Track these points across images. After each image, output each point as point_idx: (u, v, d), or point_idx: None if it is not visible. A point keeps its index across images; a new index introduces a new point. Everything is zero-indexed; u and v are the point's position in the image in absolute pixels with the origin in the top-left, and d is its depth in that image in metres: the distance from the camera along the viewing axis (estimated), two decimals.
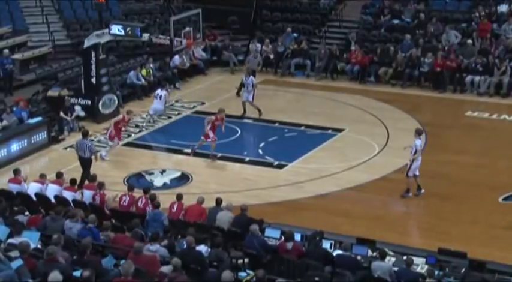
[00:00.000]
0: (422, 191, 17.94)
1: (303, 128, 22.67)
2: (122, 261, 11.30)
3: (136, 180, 19.00)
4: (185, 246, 12.69)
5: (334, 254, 13.10)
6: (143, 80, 25.77)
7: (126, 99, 24.94)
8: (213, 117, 20.39)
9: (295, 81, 27.58)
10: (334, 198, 18.19)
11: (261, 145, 21.47)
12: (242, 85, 24.16)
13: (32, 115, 21.83)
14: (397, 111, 24.14)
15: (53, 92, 23.72)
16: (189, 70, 27.85)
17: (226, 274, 10.69)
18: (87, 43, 23.16)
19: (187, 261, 11.72)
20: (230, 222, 14.61)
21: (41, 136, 21.15)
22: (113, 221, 14.74)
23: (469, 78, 25.79)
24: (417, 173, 17.79)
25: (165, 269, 11.31)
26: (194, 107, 24.88)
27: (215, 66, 29.16)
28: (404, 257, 12.93)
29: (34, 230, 12.93)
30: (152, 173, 19.58)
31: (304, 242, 13.68)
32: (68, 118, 22.25)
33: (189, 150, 20.79)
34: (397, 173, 18.83)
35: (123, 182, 18.81)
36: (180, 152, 20.93)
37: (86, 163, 18.51)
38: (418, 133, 17.94)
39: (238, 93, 24.95)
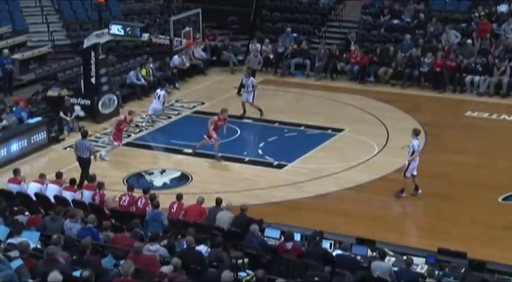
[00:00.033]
0: (419, 191, 17.94)
1: (302, 128, 22.67)
2: (122, 261, 11.30)
3: (136, 180, 19.00)
4: (185, 246, 12.69)
5: (334, 254, 13.11)
6: (143, 80, 25.77)
7: (126, 99, 24.95)
8: (216, 118, 20.36)
9: (295, 81, 27.58)
10: (333, 198, 18.19)
11: (261, 145, 21.47)
12: (242, 85, 24.16)
13: (32, 115, 21.82)
14: (396, 111, 24.15)
15: (52, 92, 23.72)
16: (188, 70, 27.84)
17: (226, 274, 10.69)
18: (86, 43, 23.16)
19: (187, 261, 11.72)
20: (230, 222, 14.61)
21: (40, 136, 21.15)
22: (113, 221, 14.74)
23: (468, 78, 25.80)
24: (415, 173, 17.79)
25: (165, 269, 11.31)
26: (194, 107, 24.88)
27: (215, 66, 29.16)
28: (404, 257, 12.94)
29: (34, 230, 12.93)
30: (152, 173, 19.58)
31: (303, 242, 13.69)
32: (68, 118, 22.25)
33: (188, 150, 20.80)
34: (396, 173, 18.81)
35: (123, 182, 18.81)
36: (180, 152, 20.93)
37: (85, 163, 18.49)
38: (416, 133, 17.93)
39: (238, 93, 24.93)
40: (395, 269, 12.42)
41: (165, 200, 15.91)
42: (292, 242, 13.12)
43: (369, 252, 13.29)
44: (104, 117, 23.18)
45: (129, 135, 22.03)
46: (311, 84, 27.25)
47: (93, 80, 23.19)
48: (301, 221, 15.48)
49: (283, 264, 12.65)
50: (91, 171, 18.04)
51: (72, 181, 16.72)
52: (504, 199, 17.78)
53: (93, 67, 23.11)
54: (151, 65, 26.44)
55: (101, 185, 16.21)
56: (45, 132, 21.29)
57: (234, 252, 12.62)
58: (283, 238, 13.40)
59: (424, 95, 25.88)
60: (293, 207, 17.64)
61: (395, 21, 29.23)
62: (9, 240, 11.97)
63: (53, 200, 15.83)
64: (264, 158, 20.46)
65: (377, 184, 18.71)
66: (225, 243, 13.07)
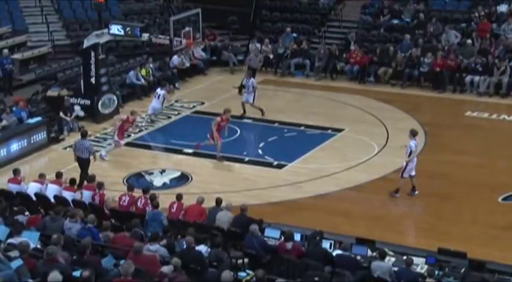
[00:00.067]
0: (416, 192, 17.92)
1: (302, 128, 22.67)
2: (122, 261, 11.30)
3: (136, 180, 18.99)
4: (185, 246, 12.69)
5: (334, 254, 13.11)
6: (143, 80, 25.77)
7: (126, 99, 24.94)
8: (219, 119, 20.32)
9: (295, 81, 27.58)
10: (333, 198, 18.19)
11: (261, 145, 21.47)
12: (243, 86, 24.17)
13: (32, 115, 21.82)
14: (396, 111, 24.15)
15: (52, 92, 23.72)
16: (188, 70, 27.85)
17: (226, 274, 10.69)
18: (86, 43, 23.16)
19: (187, 261, 11.72)
20: (230, 222, 14.61)
21: (40, 136, 21.15)
22: (113, 221, 14.74)
23: (468, 78, 25.79)
24: (413, 173, 17.78)
25: (165, 269, 11.31)
26: (194, 107, 24.88)
27: (215, 66, 29.16)
28: (404, 257, 12.94)
29: (34, 230, 12.93)
30: (152, 173, 19.58)
31: (303, 242, 13.69)
32: (68, 118, 22.24)
33: (188, 150, 20.80)
34: (396, 173, 18.75)
35: (123, 182, 18.81)
36: (180, 152, 20.93)
37: (84, 164, 18.47)
38: (413, 134, 17.90)
39: (240, 92, 24.88)
40: (395, 269, 12.43)
41: (165, 200, 15.91)
42: (292, 242, 13.12)
43: (369, 252, 13.29)
44: (103, 117, 23.18)
45: (129, 135, 21.99)
46: (311, 84, 27.24)
47: (93, 80, 23.19)
48: (301, 221, 15.48)
49: (283, 264, 12.65)
50: (91, 171, 18.02)
51: (72, 181, 16.71)
52: (504, 199, 17.77)
53: (93, 67, 23.11)
54: (151, 65, 26.44)
55: (100, 185, 16.21)
56: (45, 132, 21.29)
57: (234, 252, 12.62)
58: (283, 238, 13.40)
59: (424, 95, 25.88)
60: (293, 207, 17.64)
61: (395, 21, 29.23)
62: (9, 240, 11.97)
63: (52, 200, 15.83)
64: (264, 158, 20.45)
65: (377, 184, 18.71)
66: (225, 243, 13.07)
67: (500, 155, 20.44)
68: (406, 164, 17.64)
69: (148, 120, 23.16)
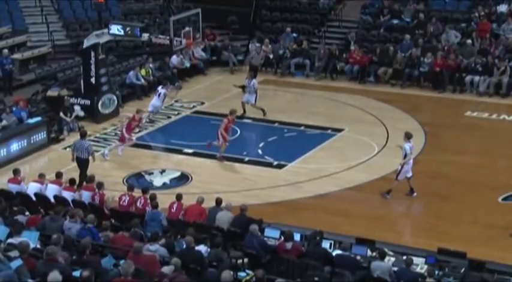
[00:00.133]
0: (415, 194, 17.92)
1: (302, 128, 22.67)
2: (122, 261, 11.30)
3: (136, 180, 18.99)
4: (184, 246, 12.69)
5: (334, 254, 13.12)
6: (143, 80, 25.77)
7: (126, 99, 24.94)
8: (226, 120, 20.27)
9: (295, 81, 27.58)
10: (333, 198, 18.19)
11: (261, 145, 21.47)
12: (244, 86, 24.18)
13: (32, 115, 21.81)
14: (396, 111, 24.15)
15: (52, 92, 23.72)
16: (188, 70, 27.85)
17: (226, 274, 10.68)
18: (86, 43, 23.15)
19: (187, 261, 11.72)
20: (230, 222, 14.61)
21: (40, 136, 21.15)
22: (112, 220, 14.74)
23: (468, 78, 25.79)
24: (409, 175, 17.74)
25: (165, 269, 11.31)
26: (194, 107, 24.87)
27: (215, 66, 29.16)
28: (404, 257, 12.95)
29: (33, 230, 12.93)
30: (152, 173, 19.58)
31: (303, 242, 13.69)
32: (68, 118, 22.24)
33: (188, 150, 20.81)
34: (396, 173, 18.79)
35: (123, 182, 18.81)
36: (180, 152, 20.93)
37: (83, 164, 18.44)
38: (408, 137, 17.85)
39: (244, 90, 24.76)
40: (395, 269, 12.43)
41: (165, 200, 15.92)
42: (292, 242, 13.12)
43: (369, 252, 13.29)
44: (103, 117, 23.18)
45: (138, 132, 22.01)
46: (311, 84, 27.24)
47: (93, 80, 23.19)
48: (301, 221, 15.48)
49: (283, 264, 12.65)
50: (91, 171, 18.01)
51: (72, 181, 16.72)
52: (504, 199, 17.77)
53: (93, 67, 23.11)
54: (151, 65, 26.45)
55: (100, 185, 16.21)
56: (45, 132, 21.29)
57: (233, 252, 12.63)
58: (283, 238, 13.40)
59: (424, 95, 25.88)
60: (293, 207, 17.63)
61: (395, 21, 29.23)
62: (9, 240, 11.98)
63: (52, 200, 15.83)
64: (263, 158, 20.45)
65: (377, 184, 18.69)
66: (225, 243, 13.08)
67: (500, 155, 20.43)
68: (402, 167, 17.63)
69: (148, 119, 23.13)
